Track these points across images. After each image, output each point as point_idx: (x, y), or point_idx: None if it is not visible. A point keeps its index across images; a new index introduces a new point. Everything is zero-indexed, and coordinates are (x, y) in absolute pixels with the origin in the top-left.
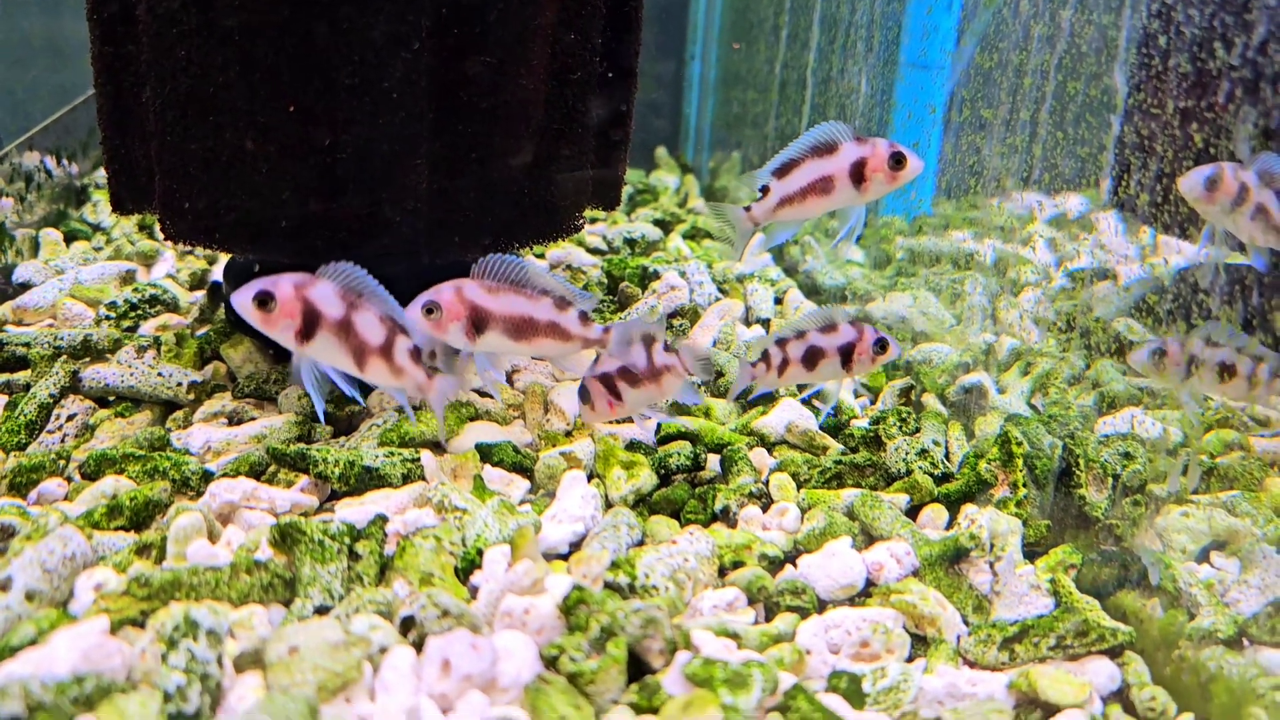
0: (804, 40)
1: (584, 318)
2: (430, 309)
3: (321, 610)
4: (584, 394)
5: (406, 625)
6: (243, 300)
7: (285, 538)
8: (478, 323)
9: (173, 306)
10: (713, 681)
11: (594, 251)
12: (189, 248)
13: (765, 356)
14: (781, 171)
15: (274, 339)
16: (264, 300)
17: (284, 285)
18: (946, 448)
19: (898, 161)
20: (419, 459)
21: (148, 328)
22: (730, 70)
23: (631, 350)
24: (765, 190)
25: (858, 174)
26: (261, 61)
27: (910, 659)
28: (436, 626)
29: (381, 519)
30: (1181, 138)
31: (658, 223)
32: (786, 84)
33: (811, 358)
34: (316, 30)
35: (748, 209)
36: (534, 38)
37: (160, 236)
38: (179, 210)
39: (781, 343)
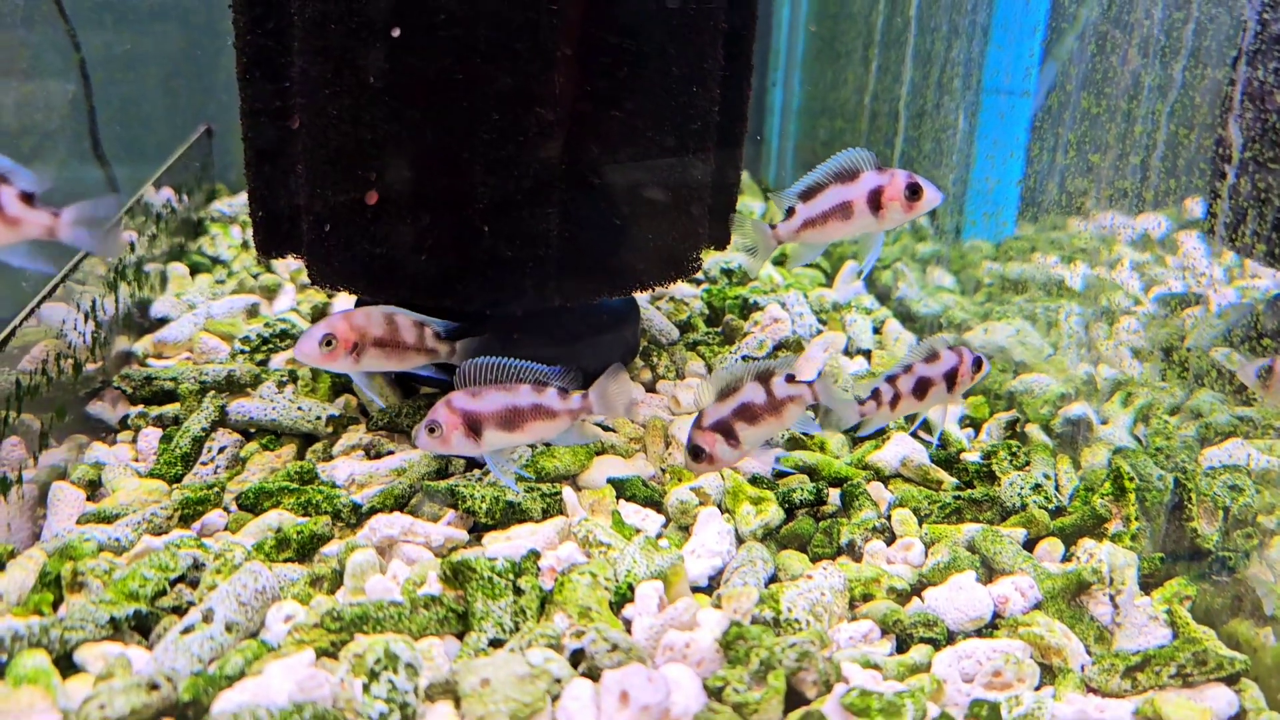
0: (895, 73)
1: (562, 393)
2: (432, 428)
3: (495, 643)
4: (696, 451)
5: (576, 657)
6: None
7: (457, 574)
8: (473, 427)
9: None
10: (870, 711)
11: (692, 281)
12: (333, 291)
13: (876, 394)
14: (806, 195)
15: None
16: None
17: None
18: (1056, 480)
19: (914, 192)
20: (559, 493)
21: (278, 361)
22: (814, 98)
23: (614, 409)
24: (791, 211)
25: (875, 202)
26: (408, 118)
27: (1037, 688)
28: (606, 660)
29: (534, 554)
30: None
31: (748, 250)
32: (877, 115)
33: (921, 388)
34: (458, 89)
35: (773, 226)
36: (660, 91)
37: (304, 278)
38: (325, 256)
39: (892, 379)
